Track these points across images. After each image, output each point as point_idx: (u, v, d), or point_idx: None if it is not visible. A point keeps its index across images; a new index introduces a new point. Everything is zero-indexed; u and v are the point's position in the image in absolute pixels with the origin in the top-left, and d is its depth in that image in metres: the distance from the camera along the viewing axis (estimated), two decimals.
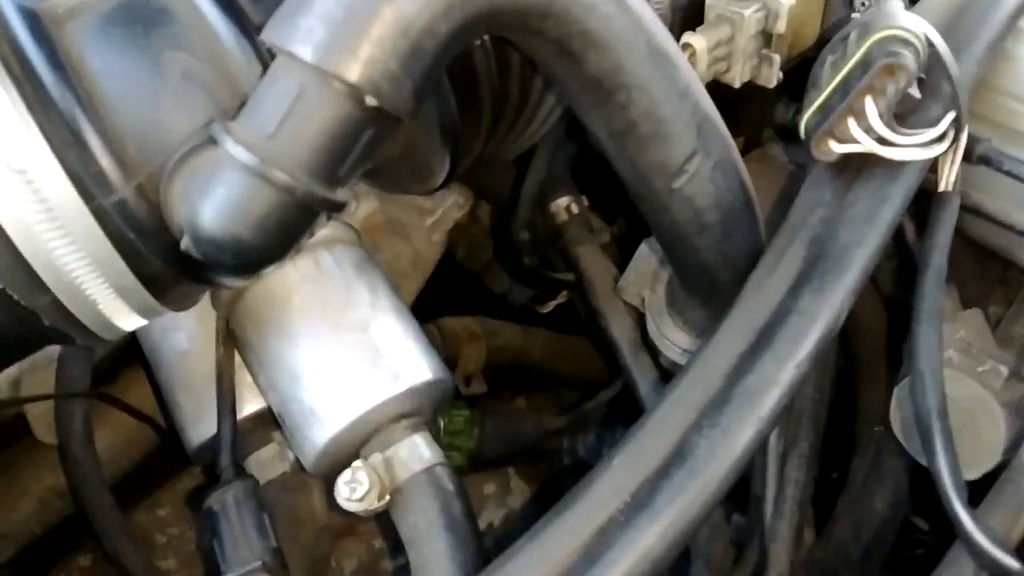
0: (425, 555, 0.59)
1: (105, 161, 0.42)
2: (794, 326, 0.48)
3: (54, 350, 0.82)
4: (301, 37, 0.37)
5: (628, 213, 0.95)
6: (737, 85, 0.73)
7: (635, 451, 0.49)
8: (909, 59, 0.48)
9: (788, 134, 0.87)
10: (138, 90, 0.43)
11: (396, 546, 1.01)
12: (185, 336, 0.71)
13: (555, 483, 1.19)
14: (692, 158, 0.47)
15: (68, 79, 0.41)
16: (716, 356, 0.51)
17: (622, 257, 0.89)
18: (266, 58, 0.44)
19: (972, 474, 0.66)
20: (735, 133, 0.96)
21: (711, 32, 0.70)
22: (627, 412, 1.11)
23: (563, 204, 0.83)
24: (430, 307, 0.93)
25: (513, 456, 1.09)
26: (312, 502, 0.74)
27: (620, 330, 0.79)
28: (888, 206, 0.51)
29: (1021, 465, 0.56)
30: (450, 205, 0.98)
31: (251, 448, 0.72)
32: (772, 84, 0.74)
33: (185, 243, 0.42)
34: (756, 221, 0.55)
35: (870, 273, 0.51)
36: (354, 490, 0.58)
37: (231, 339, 0.69)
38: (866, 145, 0.50)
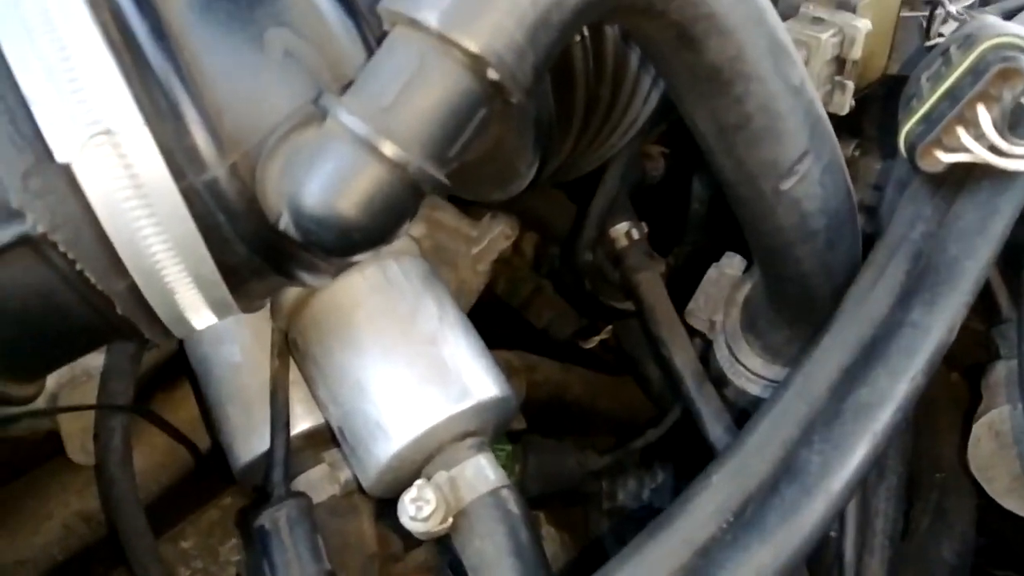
0: None
1: (200, 136, 0.40)
2: (907, 339, 0.46)
3: (95, 364, 0.80)
4: (427, 3, 0.36)
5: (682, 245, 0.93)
6: None
7: (737, 468, 0.46)
8: None
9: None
10: (239, 65, 0.41)
11: None
12: (238, 348, 0.69)
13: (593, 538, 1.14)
14: (804, 158, 0.46)
15: (169, 49, 0.40)
16: (819, 370, 0.48)
17: (671, 292, 0.87)
18: (371, 42, 0.43)
19: None
20: None
21: None
22: (670, 456, 1.07)
23: (623, 230, 0.81)
24: None
25: (553, 496, 1.05)
26: (362, 527, 0.70)
27: (683, 360, 0.76)
28: (998, 218, 0.49)
29: None
30: (497, 234, 0.97)
31: (300, 468, 0.68)
32: (844, 111, 0.73)
33: (284, 222, 0.39)
34: (858, 232, 0.53)
35: (981, 287, 0.49)
36: (420, 508, 0.55)
37: (287, 352, 0.67)
38: (977, 154, 0.49)
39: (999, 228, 0.49)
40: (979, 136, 0.49)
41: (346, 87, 0.40)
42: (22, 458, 0.81)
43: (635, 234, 0.81)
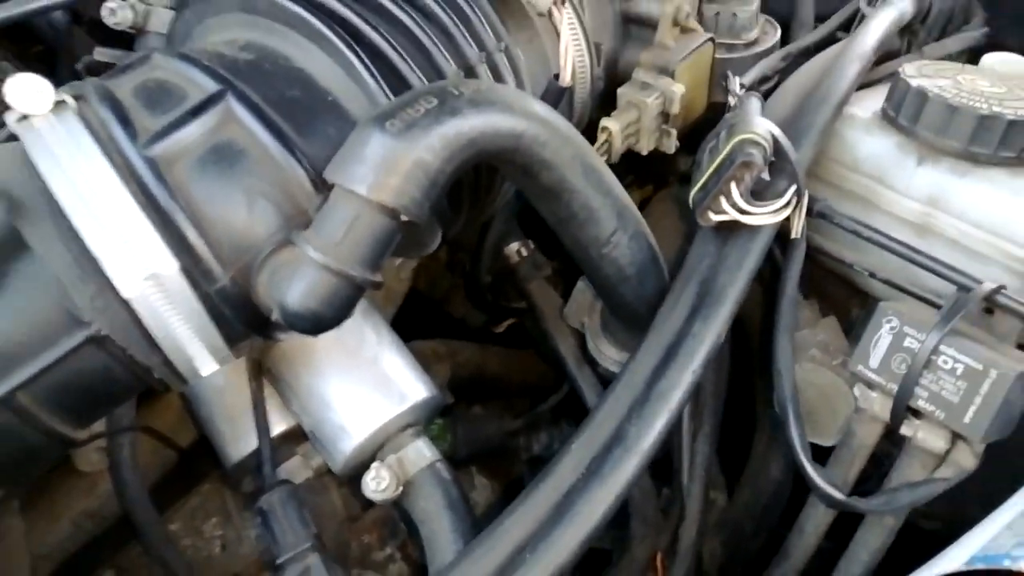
0: (434, 530, 0.78)
1: (209, 260, 0.60)
2: (690, 345, 0.70)
3: None
4: (358, 179, 0.56)
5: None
6: (644, 153, 0.95)
7: (587, 439, 0.69)
8: (758, 158, 0.70)
9: (688, 179, 1.09)
10: (230, 208, 0.60)
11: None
12: (221, 375, 0.88)
13: (515, 479, 1.37)
14: (615, 234, 0.68)
15: (180, 204, 0.59)
16: (637, 368, 0.72)
17: (564, 283, 1.10)
18: (315, 179, 0.63)
19: (830, 441, 0.88)
20: (648, 180, 1.19)
21: (623, 115, 0.92)
22: (571, 413, 1.31)
23: (514, 248, 1.03)
24: (400, 333, 1.12)
25: (480, 456, 1.27)
26: (332, 500, 0.92)
27: (566, 348, 0.99)
28: (751, 257, 0.73)
29: (851, 432, 0.78)
30: None
31: (280, 460, 0.89)
32: (671, 151, 0.96)
33: (276, 316, 0.60)
34: (662, 270, 0.76)
35: (741, 303, 0.73)
36: (379, 484, 0.77)
37: (260, 375, 0.87)
38: (733, 216, 0.72)
39: (751, 264, 0.73)
40: (733, 204, 0.72)
41: (299, 216, 0.60)
42: None
43: (524, 251, 1.03)
